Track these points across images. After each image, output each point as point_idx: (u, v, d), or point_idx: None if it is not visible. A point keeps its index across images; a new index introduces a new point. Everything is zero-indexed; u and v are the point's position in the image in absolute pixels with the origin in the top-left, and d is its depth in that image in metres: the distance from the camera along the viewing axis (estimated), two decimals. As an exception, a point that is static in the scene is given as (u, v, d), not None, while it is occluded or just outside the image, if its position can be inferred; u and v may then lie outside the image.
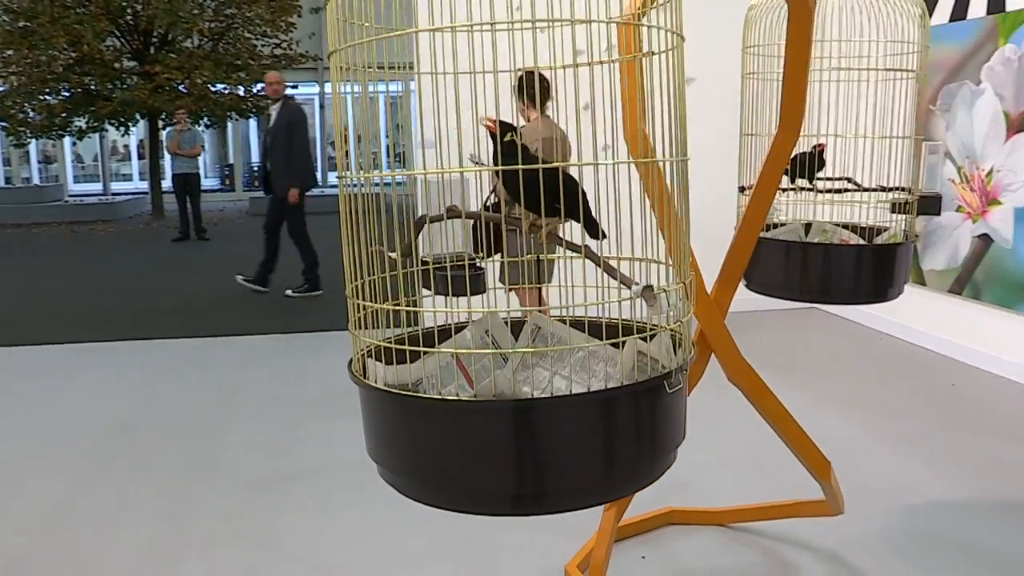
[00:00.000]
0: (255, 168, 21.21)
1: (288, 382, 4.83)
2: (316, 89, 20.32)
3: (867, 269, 2.66)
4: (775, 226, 2.90)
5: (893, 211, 2.73)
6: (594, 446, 1.28)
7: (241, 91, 15.48)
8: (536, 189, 1.32)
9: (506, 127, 1.38)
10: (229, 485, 3.42)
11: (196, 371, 5.10)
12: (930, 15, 5.23)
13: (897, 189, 2.75)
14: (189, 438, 3.96)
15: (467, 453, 1.29)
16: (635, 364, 1.54)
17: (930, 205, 2.71)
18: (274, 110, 7.25)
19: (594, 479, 1.31)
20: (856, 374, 4.87)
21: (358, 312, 1.50)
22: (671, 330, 1.31)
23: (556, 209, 1.36)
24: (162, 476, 3.53)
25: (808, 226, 2.99)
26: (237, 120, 17.32)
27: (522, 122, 4.58)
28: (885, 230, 2.89)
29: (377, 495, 3.30)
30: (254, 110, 15.77)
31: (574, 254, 1.48)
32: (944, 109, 5.16)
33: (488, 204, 5.23)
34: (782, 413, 2.21)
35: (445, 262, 1.69)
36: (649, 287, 1.26)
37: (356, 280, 1.50)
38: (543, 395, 1.36)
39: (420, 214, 1.50)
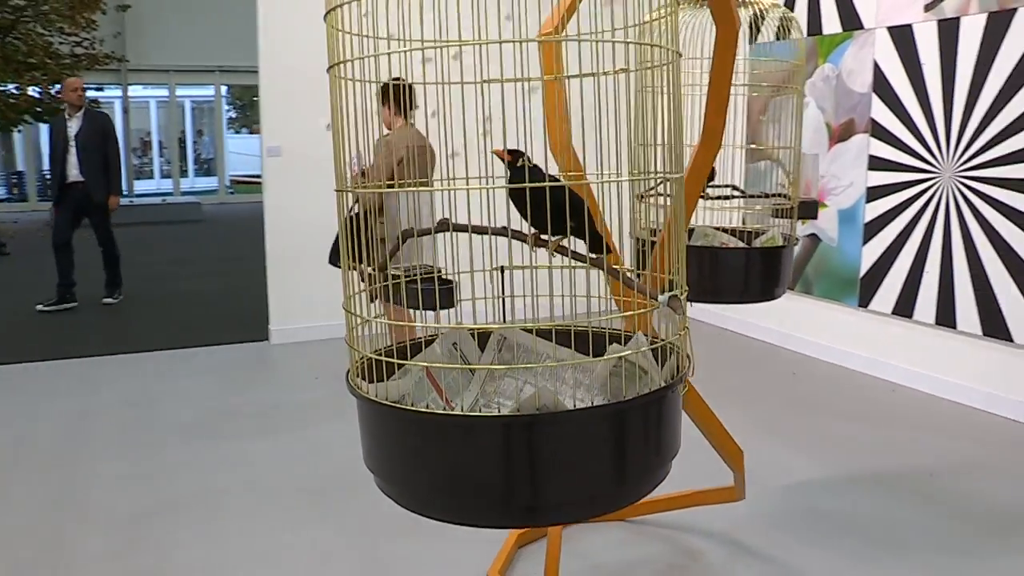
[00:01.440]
0: (47, 176, 19.53)
1: (141, 406, 4.52)
2: (120, 92, 18.99)
3: (755, 271, 2.87)
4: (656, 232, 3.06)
5: (775, 216, 2.97)
6: (608, 457, 1.33)
7: (37, 92, 14.20)
8: (545, 208, 1.36)
9: (517, 154, 1.41)
10: (105, 521, 3.17)
11: (30, 399, 4.66)
12: (756, 36, 5.68)
13: (777, 195, 2.98)
14: (45, 474, 3.62)
15: (493, 466, 1.30)
16: (613, 371, 1.60)
17: (809, 209, 2.96)
18: (78, 117, 7.02)
19: (606, 489, 1.35)
20: (705, 367, 5.20)
21: (354, 324, 1.46)
22: (670, 342, 1.37)
23: (565, 226, 1.40)
24: (21, 516, 3.21)
25: (691, 232, 3.18)
26: (31, 124, 15.87)
27: (385, 130, 4.55)
28: (763, 233, 3.12)
29: (271, 519, 3.17)
30: (46, 115, 14.50)
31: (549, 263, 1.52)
32: (773, 120, 5.62)
33: (353, 214, 5.11)
34: (703, 407, 2.34)
35: (413, 276, 1.67)
36: (675, 296, 1.32)
37: (353, 291, 1.46)
38: (577, 407, 1.37)
39: (404, 228, 1.49)
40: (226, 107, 19.88)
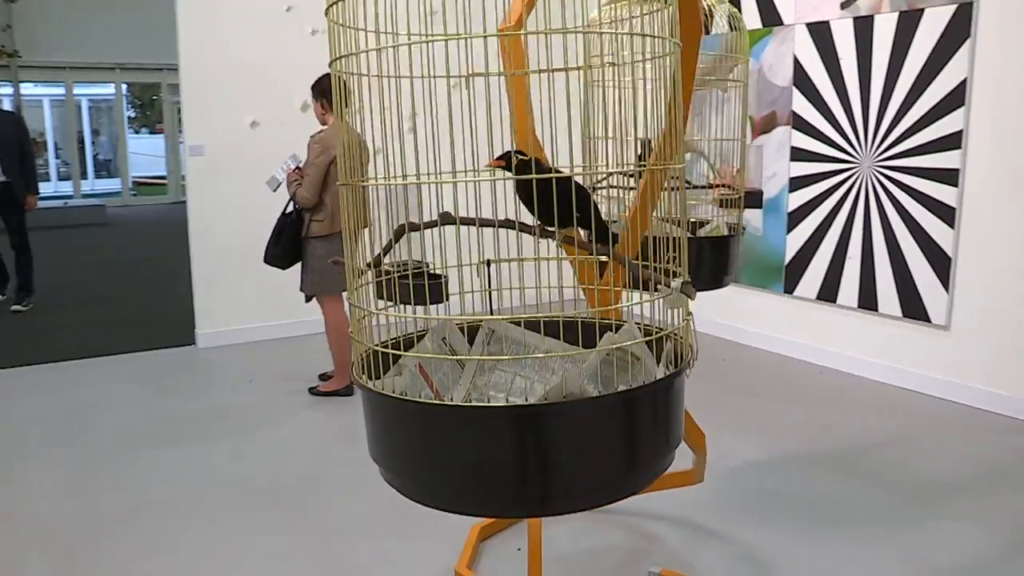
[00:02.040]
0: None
1: (73, 417, 4.34)
2: (11, 91, 18.05)
3: (706, 260, 2.96)
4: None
5: (721, 206, 3.06)
6: (621, 443, 1.36)
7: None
8: (551, 201, 1.39)
9: (508, 155, 1.44)
10: (54, 538, 3.04)
11: (-53, 415, 4.42)
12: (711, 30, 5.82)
13: (722, 186, 3.08)
14: (-28, 491, 3.45)
15: (518, 456, 1.32)
16: (605, 360, 1.64)
17: (755, 199, 3.06)
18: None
19: (617, 475, 1.39)
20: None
21: (361, 317, 1.46)
22: (674, 332, 1.41)
23: (572, 218, 1.42)
24: (-46, 538, 3.05)
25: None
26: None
27: (319, 125, 4.48)
28: (707, 223, 3.22)
29: (227, 526, 3.10)
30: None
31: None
32: (696, 113, 5.77)
33: (288, 212, 4.99)
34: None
35: (402, 270, 1.67)
36: (688, 283, 1.36)
37: (357, 284, 1.46)
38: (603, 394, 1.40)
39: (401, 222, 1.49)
40: (127, 106, 19.14)
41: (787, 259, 5.16)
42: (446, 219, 1.51)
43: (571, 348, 1.75)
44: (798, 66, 4.96)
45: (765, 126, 5.24)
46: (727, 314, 5.67)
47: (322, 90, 4.39)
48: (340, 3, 1.31)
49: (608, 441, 1.35)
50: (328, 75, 4.30)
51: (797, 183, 5.04)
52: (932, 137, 4.29)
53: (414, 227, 1.51)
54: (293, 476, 3.54)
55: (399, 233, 1.51)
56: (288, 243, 4.39)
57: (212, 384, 4.92)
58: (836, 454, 3.67)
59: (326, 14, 1.30)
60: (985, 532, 2.94)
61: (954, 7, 4.12)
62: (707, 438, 2.78)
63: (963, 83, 4.13)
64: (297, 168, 4.39)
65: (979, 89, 4.09)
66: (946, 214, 4.27)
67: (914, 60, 4.32)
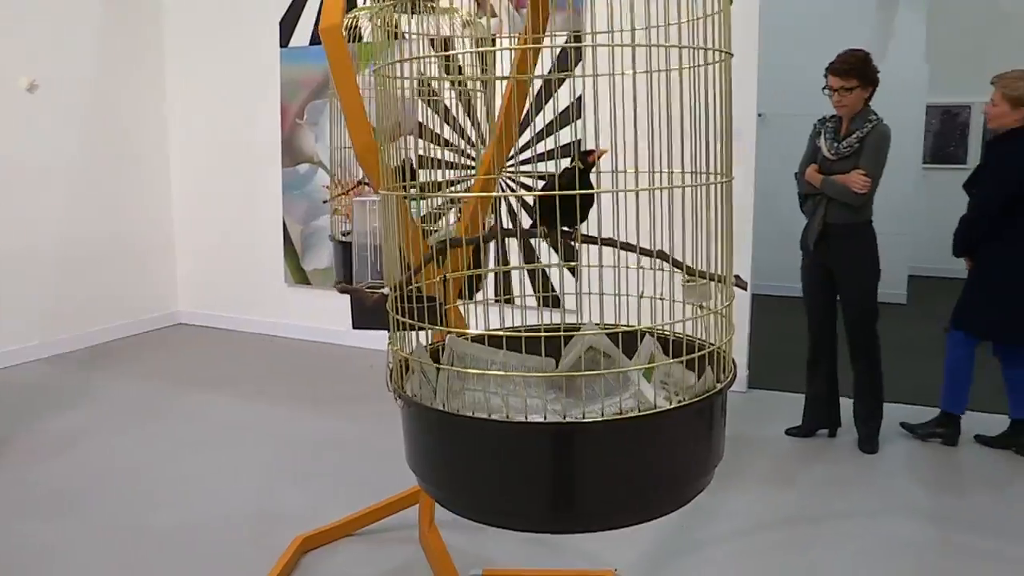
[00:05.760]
0: None
1: None
2: None
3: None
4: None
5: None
6: (660, 461, 1.41)
7: None
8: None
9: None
10: None
11: None
12: (289, 40, 5.68)
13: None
14: None
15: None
16: (575, 363, 1.66)
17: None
18: None
19: (656, 493, 1.43)
20: (294, 379, 5.10)
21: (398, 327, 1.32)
22: (718, 348, 1.45)
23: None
24: None
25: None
26: None
27: None
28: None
29: None
30: None
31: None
32: (312, 123, 5.70)
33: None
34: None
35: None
36: (739, 276, 1.43)
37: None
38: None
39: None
40: None
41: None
42: (492, 233, 1.40)
43: (530, 359, 1.72)
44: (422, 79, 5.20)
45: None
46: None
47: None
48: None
49: (685, 447, 1.40)
50: None
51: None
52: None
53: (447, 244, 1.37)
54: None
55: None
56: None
57: None
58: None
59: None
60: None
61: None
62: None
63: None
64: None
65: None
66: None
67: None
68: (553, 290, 3.77)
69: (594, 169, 1.48)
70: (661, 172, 1.37)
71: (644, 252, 1.49)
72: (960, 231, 3.87)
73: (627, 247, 1.54)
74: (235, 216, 6.10)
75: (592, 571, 2.78)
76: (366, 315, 1.48)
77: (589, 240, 1.52)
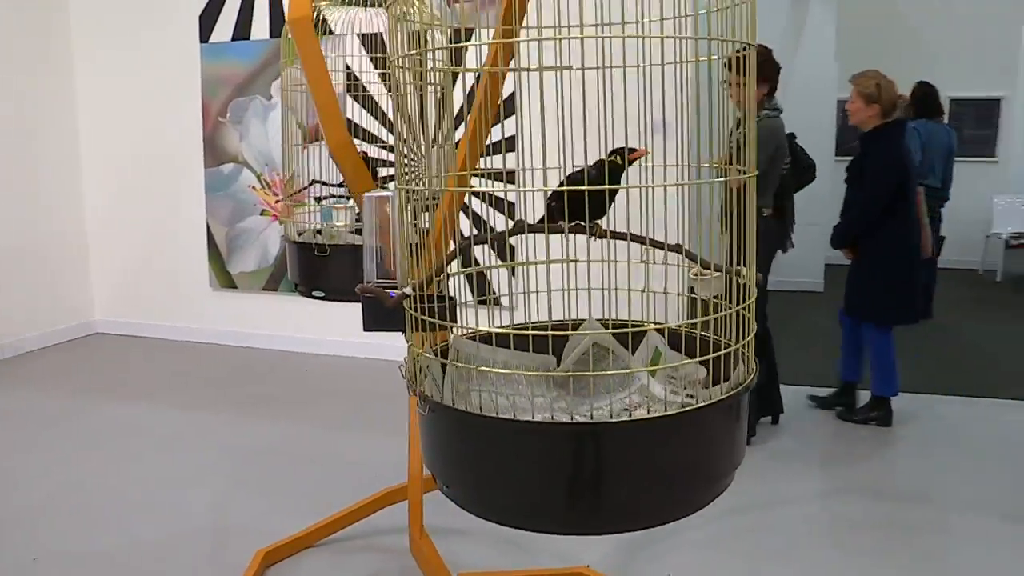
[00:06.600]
0: None
1: None
2: None
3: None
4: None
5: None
6: (681, 463, 1.40)
7: None
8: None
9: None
10: None
11: None
12: (210, 36, 5.46)
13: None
14: None
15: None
16: (578, 361, 1.64)
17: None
18: None
19: (682, 492, 1.41)
20: (224, 386, 4.91)
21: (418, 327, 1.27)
22: (738, 348, 1.43)
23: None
24: None
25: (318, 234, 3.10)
26: None
27: None
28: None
29: None
30: None
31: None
32: (236, 121, 5.49)
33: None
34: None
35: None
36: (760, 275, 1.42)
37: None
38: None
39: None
40: None
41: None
42: (518, 228, 1.35)
43: (526, 356, 1.69)
44: (350, 74, 5.08)
45: (317, 134, 5.24)
46: (287, 326, 5.54)
47: None
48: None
49: (713, 444, 1.39)
50: None
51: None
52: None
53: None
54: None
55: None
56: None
57: None
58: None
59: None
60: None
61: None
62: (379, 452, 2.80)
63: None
64: None
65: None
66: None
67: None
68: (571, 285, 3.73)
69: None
70: (688, 166, 1.35)
71: (656, 245, 1.47)
72: (842, 226, 4.05)
73: (637, 239, 1.52)
74: (155, 219, 5.83)
75: (565, 569, 2.76)
76: (382, 317, 1.41)
77: (599, 233, 1.50)
